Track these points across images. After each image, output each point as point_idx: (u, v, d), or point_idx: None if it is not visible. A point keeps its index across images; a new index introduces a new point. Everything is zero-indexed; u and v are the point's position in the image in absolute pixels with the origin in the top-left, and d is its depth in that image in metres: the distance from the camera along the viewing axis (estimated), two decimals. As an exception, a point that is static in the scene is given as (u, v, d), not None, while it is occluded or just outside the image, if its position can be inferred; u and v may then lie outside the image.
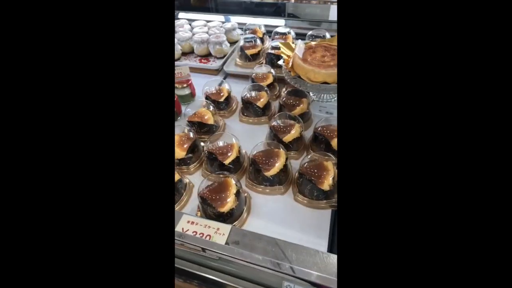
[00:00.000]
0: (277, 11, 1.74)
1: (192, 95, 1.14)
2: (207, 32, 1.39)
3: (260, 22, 1.53)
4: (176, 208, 0.75)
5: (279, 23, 1.61)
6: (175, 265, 0.67)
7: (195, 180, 0.84)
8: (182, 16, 1.80)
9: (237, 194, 0.70)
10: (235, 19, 1.66)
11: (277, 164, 0.76)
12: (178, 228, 0.63)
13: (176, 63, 1.34)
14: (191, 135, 0.87)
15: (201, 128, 0.95)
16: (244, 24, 1.53)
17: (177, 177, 0.76)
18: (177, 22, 1.54)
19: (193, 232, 0.63)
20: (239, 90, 1.14)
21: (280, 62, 1.04)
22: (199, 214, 0.74)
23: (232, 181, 0.71)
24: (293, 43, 1.30)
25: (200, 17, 1.72)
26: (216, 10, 1.88)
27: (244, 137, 0.90)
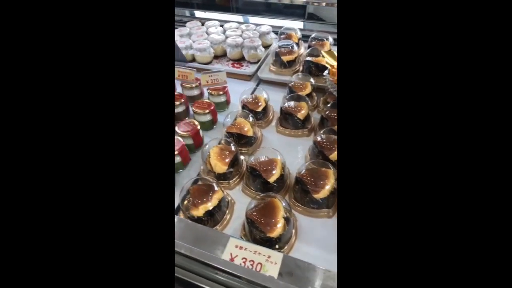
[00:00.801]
0: (296, 12, 1.69)
1: (227, 102, 1.10)
2: (240, 35, 1.35)
3: (278, 23, 1.48)
4: (219, 228, 0.72)
5: (296, 25, 1.54)
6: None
7: (236, 196, 0.81)
8: (199, 15, 1.77)
9: (286, 217, 0.66)
10: (253, 20, 1.63)
11: (327, 187, 0.71)
12: (226, 254, 0.60)
13: (210, 66, 1.30)
14: (232, 148, 0.84)
15: (239, 139, 0.91)
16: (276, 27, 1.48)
17: (220, 194, 0.72)
18: (208, 23, 1.50)
19: (242, 259, 0.60)
20: (274, 98, 1.09)
21: (325, 73, 0.99)
22: (243, 234, 0.70)
23: (281, 204, 0.67)
24: (330, 50, 1.24)
25: (217, 17, 1.69)
26: (236, 10, 1.85)
27: (282, 150, 0.85)
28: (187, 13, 1.84)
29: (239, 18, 1.69)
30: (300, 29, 1.41)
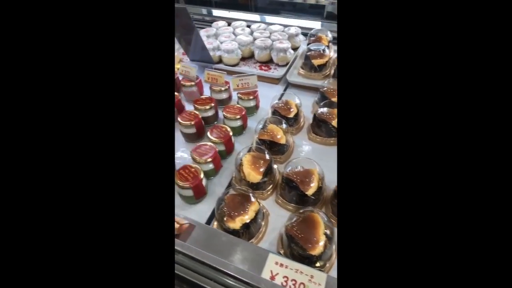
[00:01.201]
0: (314, 12, 1.66)
1: (256, 107, 1.07)
2: (269, 37, 1.32)
3: (294, 23, 1.45)
4: (254, 242, 0.69)
5: (314, 25, 1.51)
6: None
7: (270, 206, 0.78)
8: (216, 14, 1.75)
9: (328, 234, 0.63)
10: (270, 19, 1.60)
11: (369, 202, 0.67)
12: (266, 272, 0.57)
13: (237, 68, 1.27)
14: (267, 156, 0.81)
15: (271, 147, 0.88)
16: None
17: (256, 206, 0.70)
18: (234, 24, 1.48)
19: (283, 277, 0.57)
20: (304, 104, 1.06)
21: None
22: (281, 247, 0.67)
23: (322, 220, 0.64)
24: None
25: (234, 16, 1.68)
26: (255, 9, 1.82)
27: (315, 158, 0.80)
28: (203, 11, 1.82)
29: (255, 17, 1.67)
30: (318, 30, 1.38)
